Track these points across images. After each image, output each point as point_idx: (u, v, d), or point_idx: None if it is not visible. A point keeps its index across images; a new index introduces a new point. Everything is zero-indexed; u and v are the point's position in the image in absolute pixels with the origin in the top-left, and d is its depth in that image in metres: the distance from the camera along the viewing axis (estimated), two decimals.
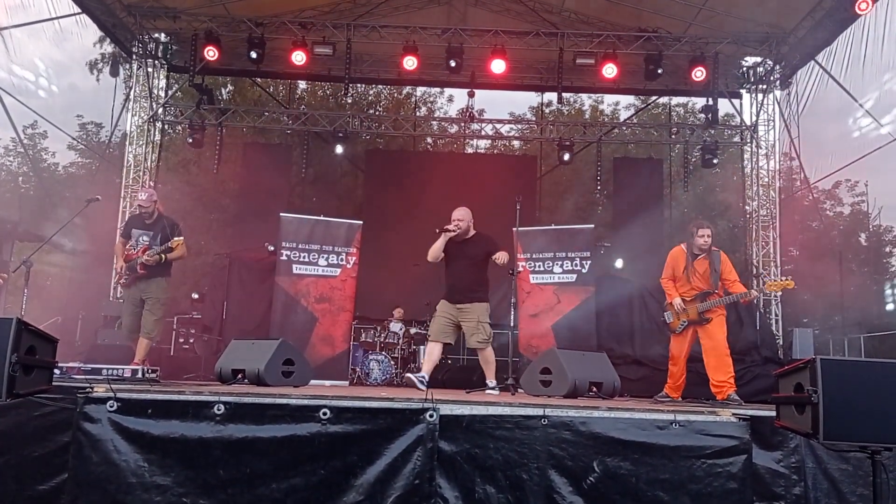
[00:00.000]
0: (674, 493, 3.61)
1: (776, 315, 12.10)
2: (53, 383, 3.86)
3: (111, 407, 3.65)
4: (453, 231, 6.79)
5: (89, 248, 11.67)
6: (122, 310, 7.23)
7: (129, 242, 7.03)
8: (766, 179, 13.06)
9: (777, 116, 13.01)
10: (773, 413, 3.68)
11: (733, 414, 3.85)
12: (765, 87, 13.00)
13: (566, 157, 13.32)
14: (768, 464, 4.17)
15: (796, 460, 4.19)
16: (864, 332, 11.21)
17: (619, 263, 12.00)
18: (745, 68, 13.17)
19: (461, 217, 6.92)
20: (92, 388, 3.76)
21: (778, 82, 12.84)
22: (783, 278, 6.61)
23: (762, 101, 13.09)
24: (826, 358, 3.11)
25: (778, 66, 12.63)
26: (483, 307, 6.76)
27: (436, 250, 6.83)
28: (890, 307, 11.90)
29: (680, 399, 6.72)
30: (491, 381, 6.73)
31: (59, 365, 5.06)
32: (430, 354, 6.82)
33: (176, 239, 6.81)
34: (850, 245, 14.04)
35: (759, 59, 12.88)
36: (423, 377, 6.61)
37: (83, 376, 5.48)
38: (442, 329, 6.77)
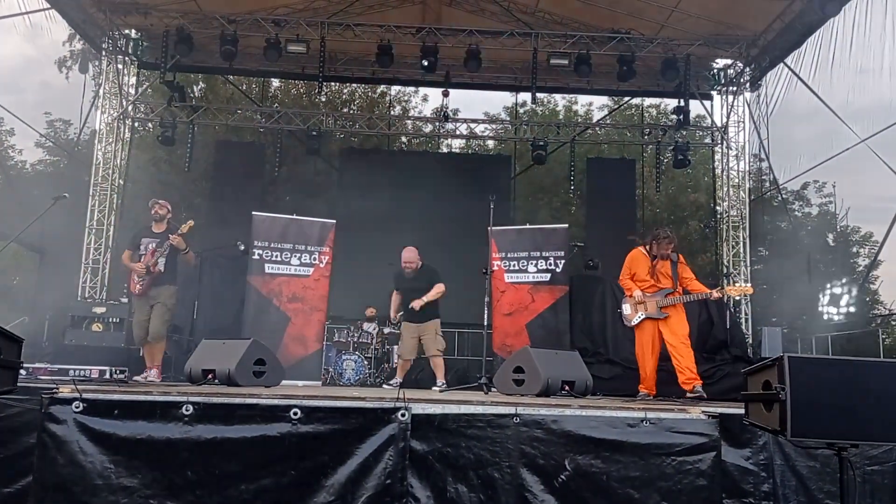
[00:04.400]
0: (644, 490, 3.63)
1: (746, 314, 12.25)
2: (19, 384, 3.78)
3: (77, 408, 3.59)
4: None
5: (56, 248, 11.48)
6: (134, 321, 7.44)
7: (139, 252, 7.30)
8: (736, 180, 13.22)
9: (747, 118, 13.18)
10: (743, 411, 3.71)
11: (703, 412, 3.88)
12: (735, 89, 13.17)
13: (540, 157, 13.36)
14: (737, 461, 4.20)
15: (765, 457, 4.23)
16: (831, 332, 11.38)
17: (592, 263, 12.05)
18: (715, 70, 13.31)
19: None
20: (57, 388, 3.69)
21: (748, 84, 13.01)
22: (744, 284, 6.73)
23: (732, 102, 13.25)
24: (793, 356, 3.14)
25: (748, 69, 12.80)
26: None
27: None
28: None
29: (653, 396, 6.77)
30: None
31: (25, 366, 4.98)
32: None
33: (186, 223, 7.28)
34: (818, 245, 14.26)
35: (729, 62, 13.04)
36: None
37: (49, 377, 5.39)
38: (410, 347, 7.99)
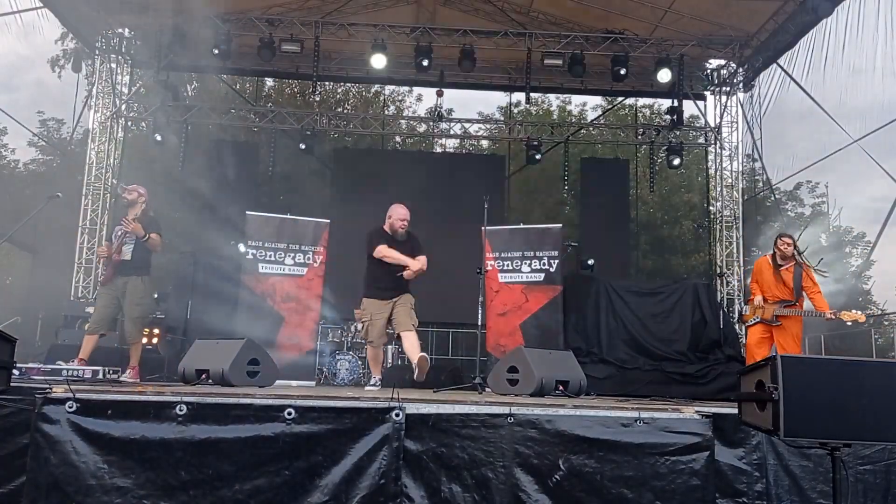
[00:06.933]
0: (638, 490, 3.64)
1: (740, 314, 12.27)
2: (12, 384, 3.77)
3: (70, 408, 3.57)
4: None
5: (49, 247, 11.45)
6: (97, 302, 7.17)
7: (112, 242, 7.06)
8: (730, 180, 13.27)
9: (740, 118, 13.23)
10: (736, 410, 3.72)
11: (696, 411, 3.89)
12: (728, 89, 13.21)
13: (535, 157, 13.38)
14: (731, 461, 4.21)
15: (758, 457, 4.24)
16: (824, 331, 11.40)
17: (588, 262, 12.07)
18: (709, 71, 13.36)
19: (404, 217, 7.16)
20: (51, 388, 3.68)
21: (741, 85, 13.05)
22: (857, 311, 6.98)
23: (726, 103, 13.29)
24: (786, 355, 3.16)
25: (741, 69, 12.84)
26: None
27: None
28: None
29: None
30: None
31: (18, 365, 4.95)
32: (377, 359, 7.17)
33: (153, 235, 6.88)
34: (811, 245, 14.31)
35: (722, 62, 13.08)
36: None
37: (42, 377, 5.37)
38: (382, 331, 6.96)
